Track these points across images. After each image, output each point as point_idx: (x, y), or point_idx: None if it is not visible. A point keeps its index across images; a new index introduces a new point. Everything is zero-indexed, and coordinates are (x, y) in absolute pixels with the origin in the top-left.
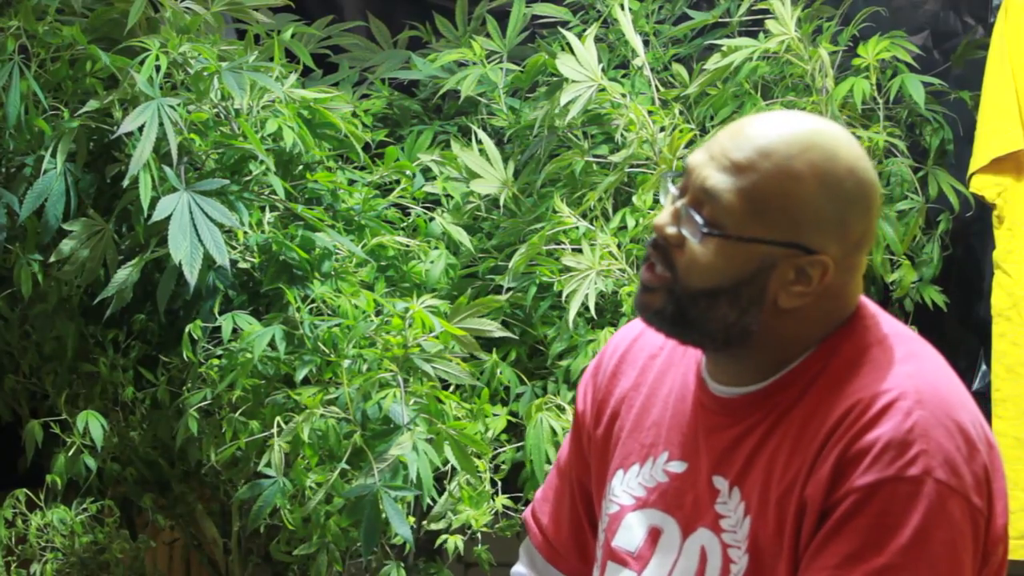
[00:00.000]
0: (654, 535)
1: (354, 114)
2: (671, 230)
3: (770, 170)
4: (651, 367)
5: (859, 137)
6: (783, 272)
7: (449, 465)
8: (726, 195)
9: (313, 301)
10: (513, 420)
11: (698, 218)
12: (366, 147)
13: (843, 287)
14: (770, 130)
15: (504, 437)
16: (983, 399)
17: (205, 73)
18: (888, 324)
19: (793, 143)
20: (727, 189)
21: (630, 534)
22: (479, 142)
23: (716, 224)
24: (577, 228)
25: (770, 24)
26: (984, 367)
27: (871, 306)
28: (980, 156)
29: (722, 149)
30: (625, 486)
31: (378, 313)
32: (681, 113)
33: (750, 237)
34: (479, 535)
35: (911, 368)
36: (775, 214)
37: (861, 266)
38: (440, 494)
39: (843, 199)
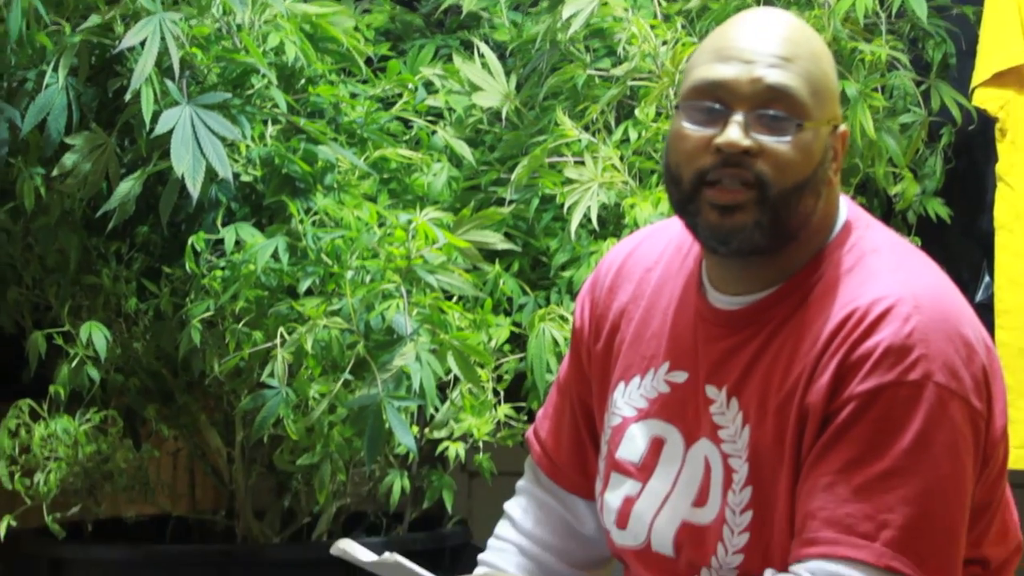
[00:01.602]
0: (657, 445)
1: (356, 28)
2: (747, 142)
3: (808, 54)
4: (648, 280)
5: (861, 51)
6: (831, 150)
7: (452, 375)
8: (792, 87)
9: (316, 213)
10: (516, 330)
11: (783, 113)
12: (368, 61)
13: (839, 166)
14: (779, 21)
15: (507, 347)
16: (987, 311)
17: None
18: (883, 233)
19: (798, 27)
20: (790, 82)
21: (633, 445)
22: (481, 56)
23: (797, 116)
24: (579, 141)
25: None
26: (987, 279)
27: (865, 216)
28: (983, 70)
29: (752, 51)
30: (627, 398)
31: (381, 225)
32: (683, 27)
33: (818, 121)
34: (481, 444)
35: (907, 275)
36: (823, 94)
37: None
38: (443, 403)
39: (835, 69)
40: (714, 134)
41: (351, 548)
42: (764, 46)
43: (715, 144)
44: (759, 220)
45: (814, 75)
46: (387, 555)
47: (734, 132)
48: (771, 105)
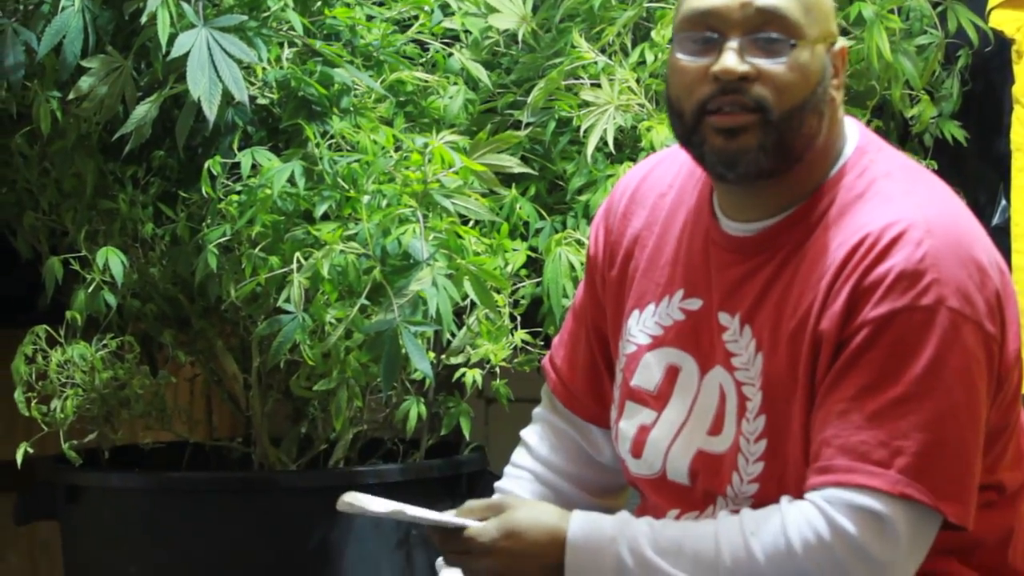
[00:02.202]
0: (672, 373)
1: None
2: (743, 67)
3: None
4: (661, 206)
5: None
6: (831, 67)
7: (468, 300)
8: (783, 6)
9: (332, 137)
10: (532, 255)
11: (776, 35)
12: None
13: (841, 84)
14: None
15: (523, 272)
16: (1003, 234)
17: None
18: (894, 157)
19: None
20: (780, 2)
21: (648, 373)
22: None
23: (791, 36)
24: (596, 63)
25: None
26: (1004, 202)
27: (876, 140)
28: None
29: None
30: (641, 325)
31: (397, 149)
32: None
33: (814, 38)
34: (498, 370)
35: (919, 199)
36: (816, 12)
37: None
38: (459, 329)
39: None
40: (710, 63)
41: (359, 500)
42: None
43: (712, 72)
44: (763, 143)
45: None
46: (395, 506)
47: (729, 59)
48: (764, 28)
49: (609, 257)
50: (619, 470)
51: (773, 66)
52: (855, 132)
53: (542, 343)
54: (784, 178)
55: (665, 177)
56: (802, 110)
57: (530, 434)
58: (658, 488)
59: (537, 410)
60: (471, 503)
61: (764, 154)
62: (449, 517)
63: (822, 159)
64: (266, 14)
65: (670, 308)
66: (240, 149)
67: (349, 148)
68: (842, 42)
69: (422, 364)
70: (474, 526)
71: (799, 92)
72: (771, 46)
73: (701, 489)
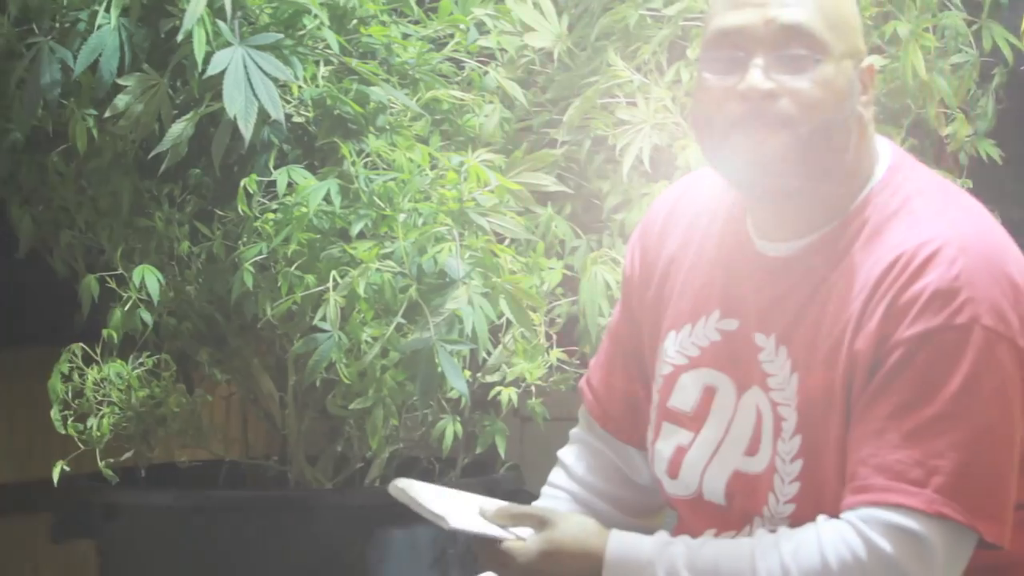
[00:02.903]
0: (709, 394)
1: None
2: (768, 84)
3: None
4: (697, 226)
5: None
6: (858, 85)
7: (504, 319)
8: (807, 23)
9: (368, 155)
10: (568, 274)
11: (801, 51)
12: (420, 1)
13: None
14: None
15: (559, 291)
16: None
17: None
18: (927, 175)
19: None
20: (804, 18)
21: (684, 394)
22: None
23: (816, 52)
24: (631, 81)
25: None
26: None
27: (909, 159)
28: None
29: None
30: (678, 346)
31: (433, 167)
32: None
33: (840, 54)
34: (533, 388)
35: (953, 217)
36: (842, 28)
37: None
38: (495, 348)
39: (855, 2)
40: (736, 81)
41: (410, 489)
42: None
43: (738, 91)
44: (789, 159)
45: (829, 10)
46: (442, 519)
47: (755, 77)
48: (788, 44)
49: (645, 278)
50: (656, 491)
51: (798, 83)
52: (887, 151)
53: (577, 362)
54: (814, 195)
55: (700, 198)
56: (829, 126)
57: (567, 454)
58: (694, 508)
59: (574, 431)
60: (517, 508)
61: (790, 171)
62: (492, 529)
63: (852, 177)
64: (302, 32)
65: (706, 329)
66: (276, 167)
67: (385, 166)
68: (870, 60)
69: (458, 383)
70: (515, 544)
71: (825, 108)
72: (796, 63)
73: (738, 509)
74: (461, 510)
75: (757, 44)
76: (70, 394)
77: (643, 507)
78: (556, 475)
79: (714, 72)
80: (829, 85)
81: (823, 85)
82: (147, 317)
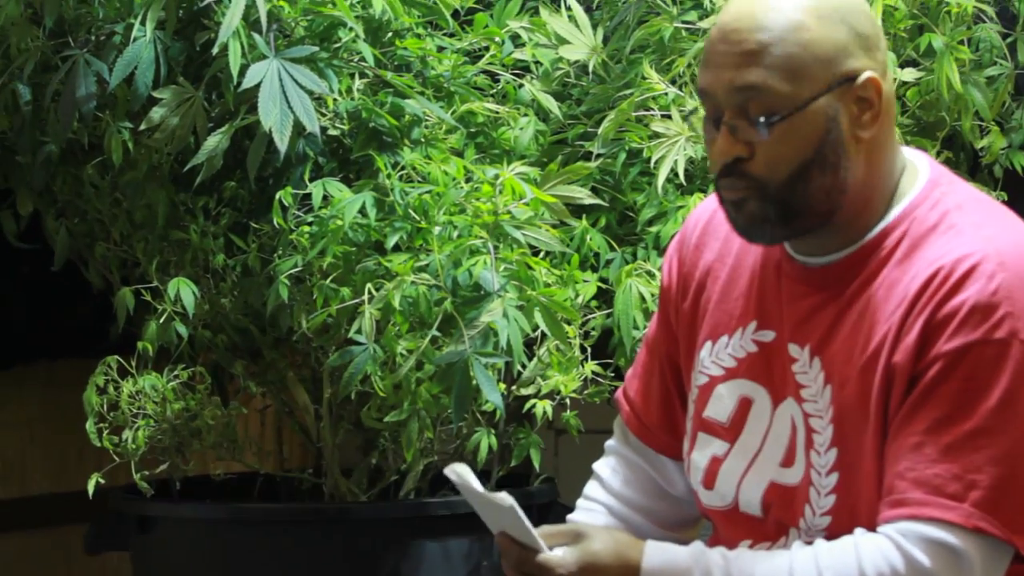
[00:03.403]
0: (744, 405)
1: None
2: (735, 149)
3: (777, 38)
4: (734, 238)
5: (947, 3)
6: (847, 110)
7: (539, 331)
8: (760, 83)
9: (403, 168)
10: (603, 286)
11: (760, 117)
12: (455, 14)
13: (891, 102)
14: (744, 10)
15: (594, 303)
16: None
17: None
18: (965, 189)
19: (770, 6)
20: (757, 79)
21: (720, 404)
22: (568, 9)
23: (773, 111)
24: (666, 94)
25: None
26: None
27: (947, 173)
28: None
29: (723, 54)
30: (715, 357)
31: (468, 180)
32: None
33: (804, 102)
34: (568, 401)
35: (991, 231)
36: (808, 69)
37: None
38: (530, 360)
39: (839, 16)
40: (716, 137)
41: (465, 475)
42: (733, 44)
43: (713, 151)
44: (767, 214)
45: (789, 55)
46: (502, 495)
47: (720, 144)
48: (747, 105)
49: (682, 289)
50: (692, 503)
51: (761, 142)
52: (925, 164)
53: (612, 374)
54: (831, 223)
55: None
56: (803, 174)
57: (602, 467)
58: (730, 519)
59: (609, 443)
60: (548, 528)
61: (769, 224)
62: (537, 535)
63: (871, 195)
64: (337, 45)
65: (743, 340)
66: (311, 180)
67: (420, 179)
68: (868, 73)
69: (493, 395)
70: (553, 557)
71: (793, 160)
72: (759, 124)
73: (773, 521)
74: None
75: (723, 105)
76: (105, 406)
77: (678, 520)
78: (591, 488)
79: (707, 129)
80: (796, 134)
81: (789, 138)
82: (182, 330)
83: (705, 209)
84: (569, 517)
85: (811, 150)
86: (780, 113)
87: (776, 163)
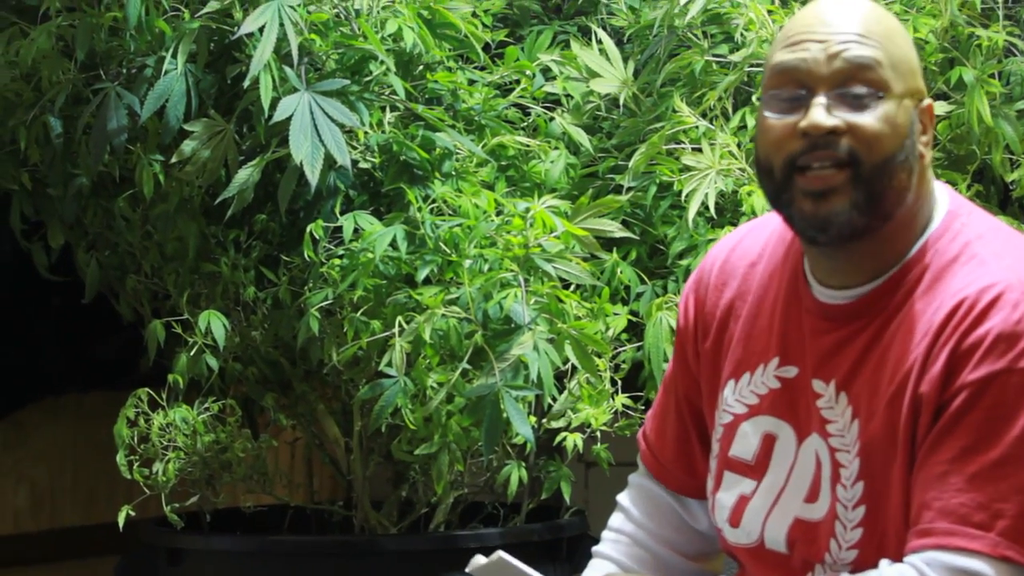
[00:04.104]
0: (769, 442)
1: (474, 14)
2: (832, 121)
3: (882, 31)
4: (753, 275)
5: (978, 37)
6: (919, 124)
7: (569, 364)
8: (870, 59)
9: (434, 201)
10: (633, 319)
11: (863, 88)
12: (486, 47)
13: (930, 141)
14: (851, 2)
15: (624, 336)
16: None
17: None
18: (984, 219)
19: (872, 7)
20: (867, 54)
21: (745, 442)
22: (599, 42)
23: (878, 89)
24: (697, 127)
25: None
26: None
27: (967, 203)
28: None
29: (827, 33)
30: (738, 395)
31: (499, 213)
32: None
33: (901, 91)
34: (598, 434)
35: (1012, 260)
36: (903, 67)
37: None
38: (560, 393)
39: (913, 44)
40: (798, 119)
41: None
42: (837, 25)
43: (800, 128)
44: (854, 199)
45: (890, 49)
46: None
47: (818, 114)
48: (851, 81)
49: (702, 329)
50: (715, 536)
51: (862, 119)
52: (944, 195)
53: (643, 407)
54: (874, 239)
55: (755, 246)
56: (892, 163)
57: (626, 499)
58: (756, 557)
59: (633, 476)
60: None
61: (856, 211)
62: None
63: (912, 221)
64: (368, 78)
65: (765, 376)
66: (342, 213)
67: (451, 212)
68: (929, 100)
69: (523, 428)
70: None
71: (889, 144)
72: (859, 100)
73: (799, 557)
74: None
75: (819, 81)
76: (136, 439)
77: (702, 551)
78: (615, 519)
79: (776, 111)
80: (892, 121)
81: (885, 122)
82: (212, 362)
83: (721, 249)
84: (595, 549)
85: (900, 141)
86: (883, 93)
87: (873, 142)
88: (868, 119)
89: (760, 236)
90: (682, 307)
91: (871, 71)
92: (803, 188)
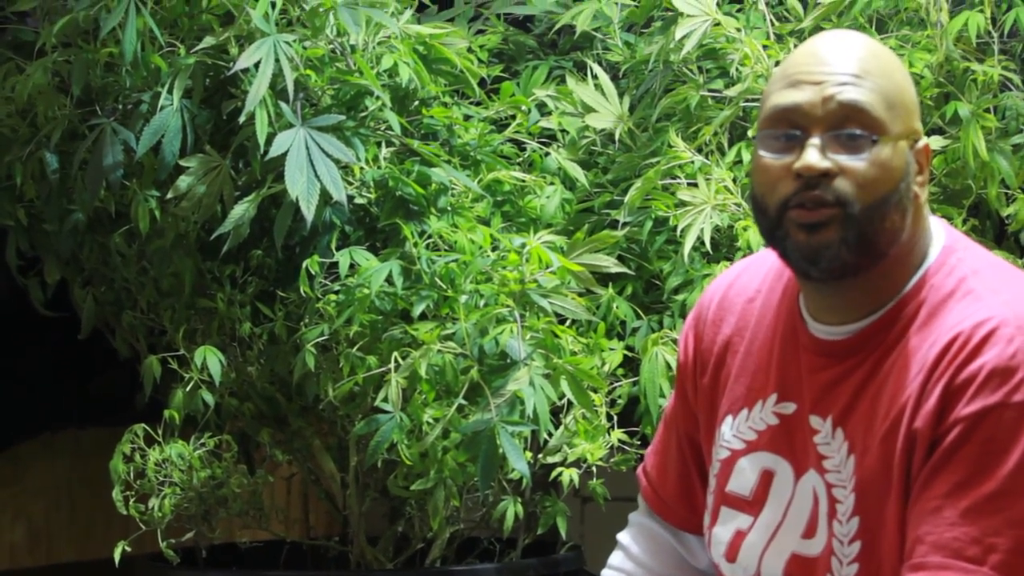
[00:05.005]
0: (767, 478)
1: (469, 49)
2: (825, 164)
3: (879, 70)
4: (750, 311)
5: (974, 71)
6: (914, 164)
7: (565, 399)
8: (865, 102)
9: (430, 236)
10: (629, 354)
11: (857, 131)
12: (481, 82)
13: (925, 180)
14: (848, 40)
15: (620, 371)
16: None
17: (320, 9)
18: (981, 254)
19: (869, 44)
20: (862, 97)
21: (743, 478)
22: (594, 77)
23: (872, 132)
24: (692, 162)
25: None
26: None
27: (963, 238)
28: None
29: (822, 73)
30: (735, 431)
31: (494, 248)
32: (795, 47)
33: (896, 135)
34: (594, 469)
35: (1009, 295)
36: (899, 108)
37: None
38: (556, 428)
39: (911, 83)
40: (793, 160)
41: None
42: (833, 66)
43: (794, 169)
44: (844, 237)
45: (887, 90)
46: None
47: (811, 155)
48: (845, 124)
49: (700, 365)
50: (714, 574)
51: (854, 162)
52: (940, 231)
53: (639, 443)
54: (869, 276)
55: (752, 282)
56: (884, 206)
57: (626, 537)
58: None
59: (633, 515)
60: None
61: (846, 248)
62: None
63: (907, 257)
64: (364, 114)
65: (763, 412)
66: (338, 248)
67: (447, 248)
68: (926, 140)
69: (519, 464)
70: None
71: (881, 188)
72: (853, 142)
73: None
74: None
75: (814, 122)
76: (132, 474)
77: None
78: (615, 557)
79: (771, 151)
80: (885, 165)
81: (879, 165)
82: (209, 398)
83: (720, 284)
84: None
85: (893, 184)
86: (878, 136)
87: (865, 186)
88: (861, 163)
89: (758, 272)
90: (682, 343)
91: (866, 114)
92: (796, 220)
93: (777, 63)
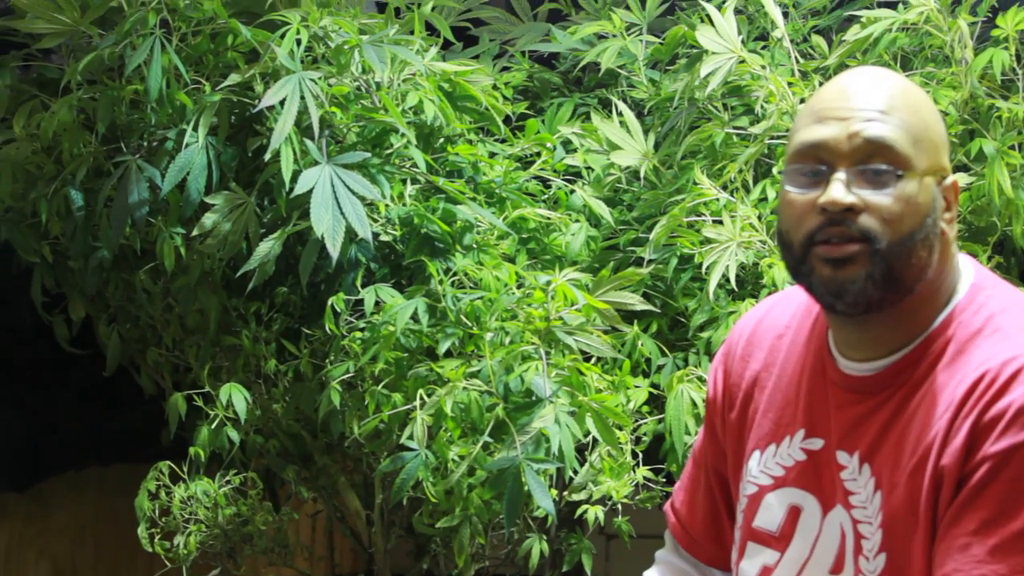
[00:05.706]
0: (794, 514)
1: (495, 87)
2: (850, 199)
3: (906, 106)
4: (779, 347)
5: (998, 108)
6: (941, 201)
7: (590, 437)
8: (891, 138)
9: (455, 274)
10: (654, 392)
11: (883, 166)
12: (507, 120)
13: (953, 217)
14: (876, 76)
15: (645, 409)
16: None
17: (346, 46)
18: (1009, 292)
19: (896, 80)
20: (888, 133)
21: (770, 514)
22: (619, 114)
23: (898, 167)
24: (717, 200)
25: None
26: None
27: (991, 276)
28: None
29: (849, 109)
30: (763, 466)
31: (520, 286)
32: (821, 84)
33: (922, 171)
34: (620, 507)
35: None
36: (925, 144)
37: None
38: (581, 466)
39: (940, 120)
40: (818, 195)
41: None
42: (860, 102)
43: (819, 204)
44: (871, 272)
45: (914, 126)
46: None
47: (836, 191)
48: (871, 159)
49: (729, 400)
50: None
51: (879, 197)
52: (969, 268)
53: (664, 480)
54: (896, 312)
55: (781, 318)
56: (910, 241)
57: (653, 574)
58: None
59: (659, 552)
60: None
61: (872, 284)
62: None
63: (935, 294)
64: (389, 151)
65: (791, 448)
66: (363, 285)
67: (472, 285)
68: (954, 177)
69: (544, 501)
70: None
71: (907, 223)
72: (878, 177)
73: None
74: None
75: (840, 158)
76: (157, 512)
77: None
78: None
79: (797, 186)
80: (911, 200)
81: (905, 201)
82: (234, 435)
83: (749, 320)
84: None
85: (919, 220)
86: (904, 172)
87: (890, 221)
88: (886, 198)
89: (787, 308)
90: (711, 379)
91: (891, 149)
92: (822, 255)
93: (802, 100)
